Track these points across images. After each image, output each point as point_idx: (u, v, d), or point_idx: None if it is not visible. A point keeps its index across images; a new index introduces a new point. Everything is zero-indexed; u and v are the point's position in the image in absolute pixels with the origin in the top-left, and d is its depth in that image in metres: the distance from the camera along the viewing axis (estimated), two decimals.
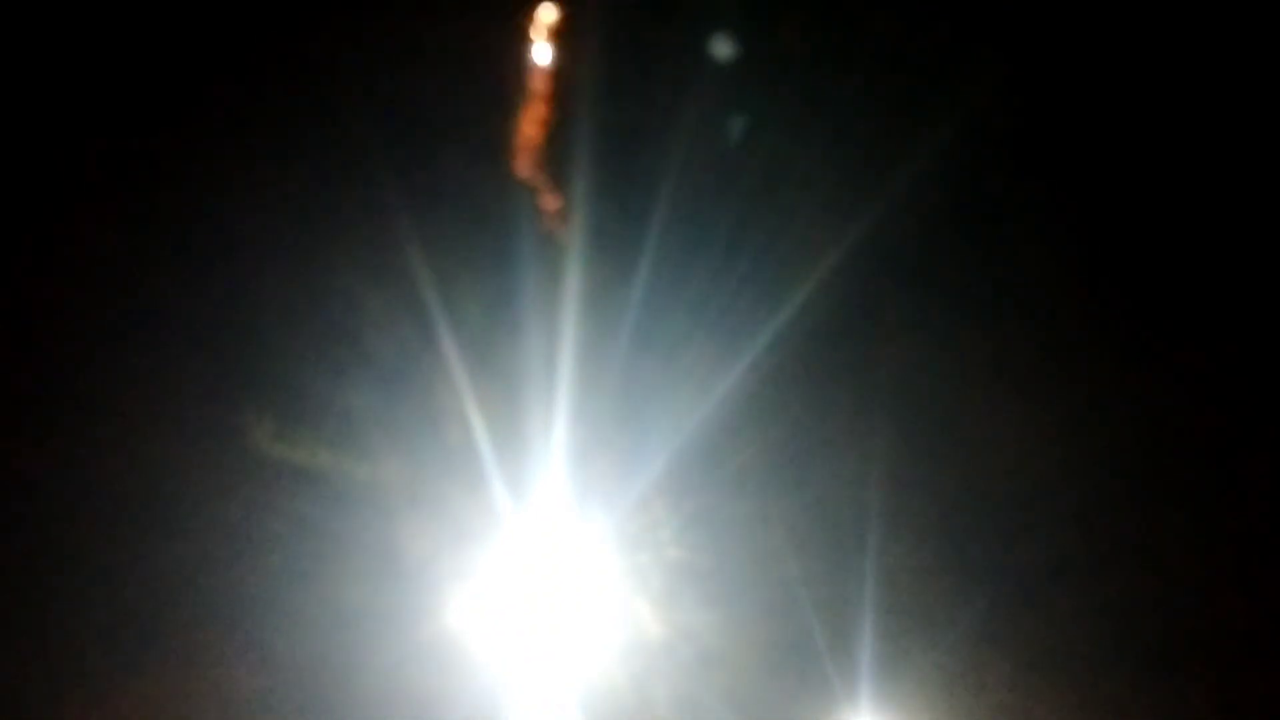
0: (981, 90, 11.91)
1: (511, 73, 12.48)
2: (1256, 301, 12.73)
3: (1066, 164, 12.89)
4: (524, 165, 12.46)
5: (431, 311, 11.45)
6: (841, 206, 12.20)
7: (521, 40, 12.48)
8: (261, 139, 11.96)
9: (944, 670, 13.46)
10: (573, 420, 11.77)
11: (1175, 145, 12.51)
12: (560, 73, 12.50)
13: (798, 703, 12.64)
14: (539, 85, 12.56)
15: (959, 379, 12.92)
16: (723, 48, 12.35)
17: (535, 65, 12.46)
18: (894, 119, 12.39)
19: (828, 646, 12.48)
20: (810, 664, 12.52)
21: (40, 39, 11.63)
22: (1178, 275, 12.80)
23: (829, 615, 12.49)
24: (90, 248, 11.06)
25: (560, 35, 12.58)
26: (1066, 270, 12.97)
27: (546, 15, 12.55)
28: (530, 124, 12.50)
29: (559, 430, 11.72)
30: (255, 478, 10.89)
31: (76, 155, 11.27)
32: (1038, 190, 12.65)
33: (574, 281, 11.91)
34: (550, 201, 12.14)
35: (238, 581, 10.98)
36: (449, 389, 11.51)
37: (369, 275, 11.50)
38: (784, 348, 12.45)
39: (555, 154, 12.40)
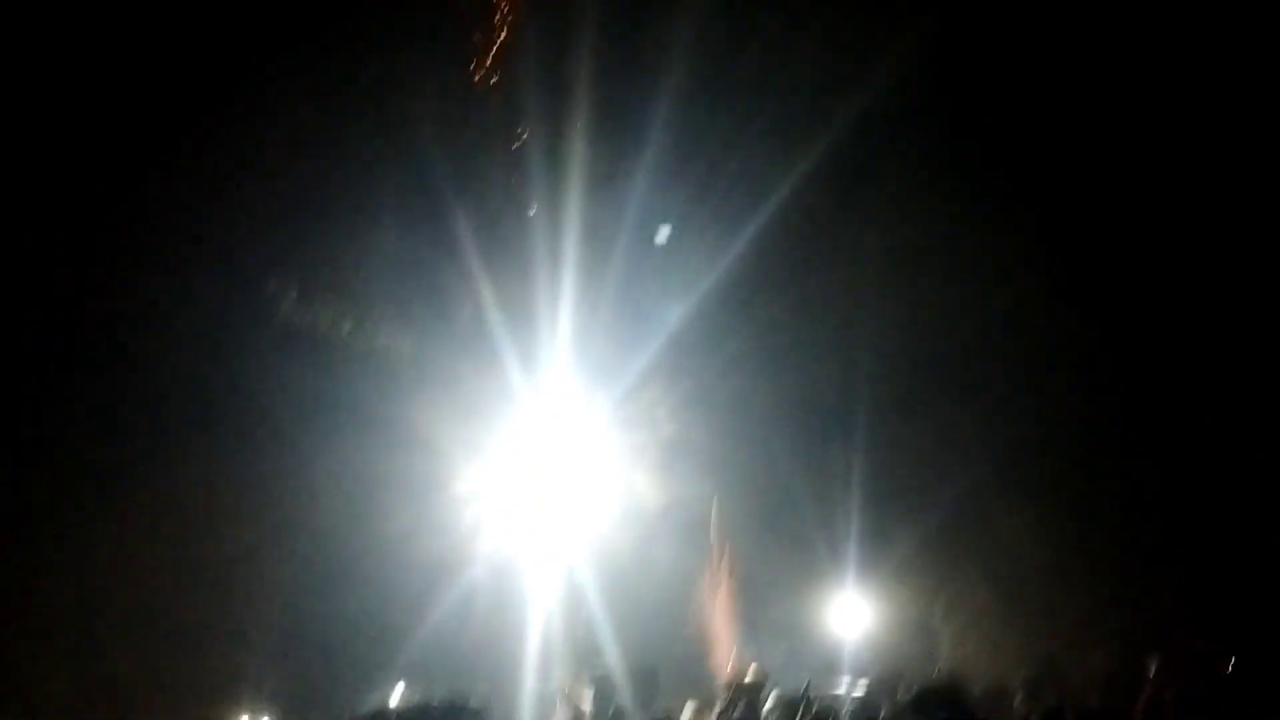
0: None
1: None
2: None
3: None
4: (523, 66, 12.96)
5: (446, 196, 11.99)
6: (826, 95, 12.68)
7: None
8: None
9: (924, 545, 14.19)
10: (576, 305, 12.32)
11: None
12: None
13: (786, 563, 13.34)
14: None
15: (944, 262, 13.25)
16: None
17: None
18: None
19: (814, 516, 13.14)
20: (798, 531, 13.20)
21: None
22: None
23: (816, 487, 13.14)
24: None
25: None
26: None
27: None
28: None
29: (563, 314, 12.28)
30: (277, 348, 11.35)
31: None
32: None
33: (578, 171, 12.41)
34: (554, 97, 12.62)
35: (256, 450, 11.48)
36: (462, 271, 12.06)
37: (387, 162, 12.02)
38: (775, 236, 12.95)
39: (554, 53, 12.86)
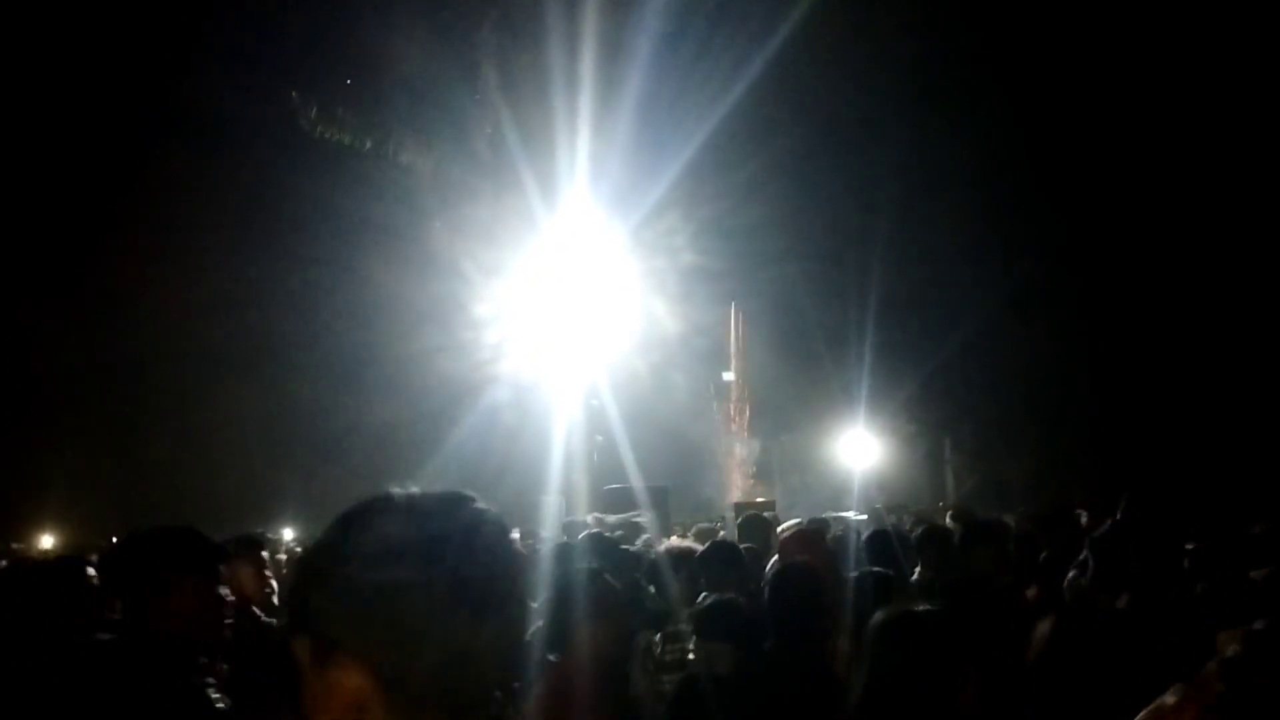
0: None
1: None
2: None
3: None
4: None
5: (468, 24, 11.71)
6: None
7: None
8: None
9: (934, 380, 14.38)
10: (595, 129, 12.14)
11: None
12: None
13: (799, 394, 13.51)
14: None
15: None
16: None
17: None
18: None
19: (828, 341, 13.22)
20: (813, 356, 13.32)
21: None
22: None
23: (831, 311, 13.20)
24: None
25: None
26: None
27: None
28: None
29: (583, 138, 12.10)
30: (297, 161, 11.29)
31: None
32: None
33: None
34: None
35: (279, 267, 11.53)
36: (482, 92, 11.88)
37: None
38: (794, 58, 12.66)
39: None
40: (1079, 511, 5.49)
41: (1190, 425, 13.26)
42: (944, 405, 15.33)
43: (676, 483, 11.49)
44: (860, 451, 14.53)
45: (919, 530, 4.30)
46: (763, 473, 15.12)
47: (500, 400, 12.10)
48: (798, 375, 14.02)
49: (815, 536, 4.12)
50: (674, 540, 4.58)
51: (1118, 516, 3.50)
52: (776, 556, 3.99)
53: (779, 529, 4.70)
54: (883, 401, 14.44)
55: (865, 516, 7.20)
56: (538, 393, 12.11)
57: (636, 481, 9.63)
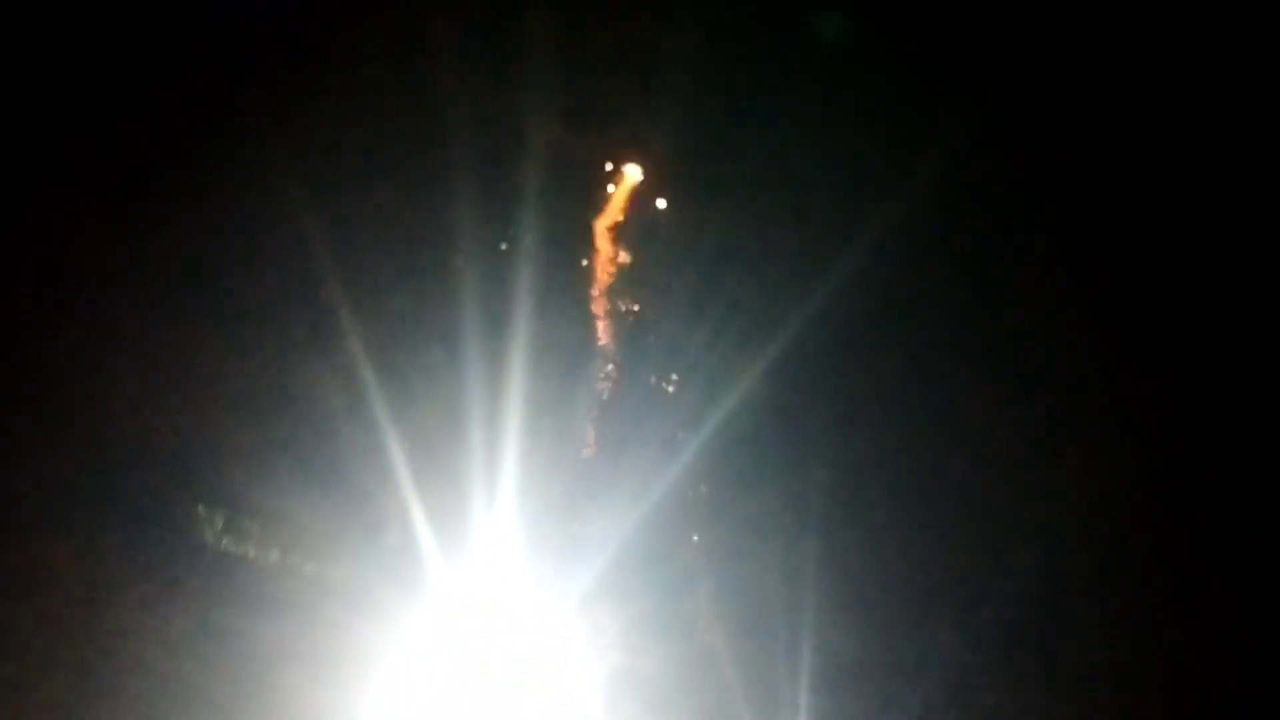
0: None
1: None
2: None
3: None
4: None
5: (378, 413, 11.56)
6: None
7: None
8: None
9: None
10: (516, 522, 11.82)
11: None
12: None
13: None
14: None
15: (884, 489, 13.17)
16: None
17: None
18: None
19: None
20: None
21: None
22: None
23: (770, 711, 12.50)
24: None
25: None
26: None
27: None
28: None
29: (503, 532, 11.76)
30: (200, 581, 10.77)
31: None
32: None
33: (518, 383, 12.10)
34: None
35: (177, 682, 10.72)
36: (395, 493, 11.53)
37: (316, 374, 11.61)
38: (721, 451, 12.75)
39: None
40: None
41: None
42: None
43: None
44: None
45: None
46: None
47: None
48: None
49: None
50: None
51: None
52: None
53: None
54: None
55: None
56: None
57: None
